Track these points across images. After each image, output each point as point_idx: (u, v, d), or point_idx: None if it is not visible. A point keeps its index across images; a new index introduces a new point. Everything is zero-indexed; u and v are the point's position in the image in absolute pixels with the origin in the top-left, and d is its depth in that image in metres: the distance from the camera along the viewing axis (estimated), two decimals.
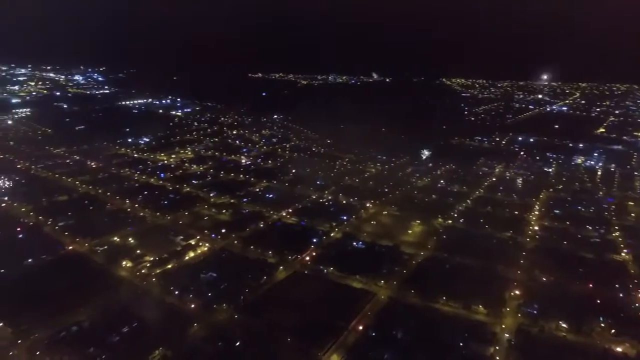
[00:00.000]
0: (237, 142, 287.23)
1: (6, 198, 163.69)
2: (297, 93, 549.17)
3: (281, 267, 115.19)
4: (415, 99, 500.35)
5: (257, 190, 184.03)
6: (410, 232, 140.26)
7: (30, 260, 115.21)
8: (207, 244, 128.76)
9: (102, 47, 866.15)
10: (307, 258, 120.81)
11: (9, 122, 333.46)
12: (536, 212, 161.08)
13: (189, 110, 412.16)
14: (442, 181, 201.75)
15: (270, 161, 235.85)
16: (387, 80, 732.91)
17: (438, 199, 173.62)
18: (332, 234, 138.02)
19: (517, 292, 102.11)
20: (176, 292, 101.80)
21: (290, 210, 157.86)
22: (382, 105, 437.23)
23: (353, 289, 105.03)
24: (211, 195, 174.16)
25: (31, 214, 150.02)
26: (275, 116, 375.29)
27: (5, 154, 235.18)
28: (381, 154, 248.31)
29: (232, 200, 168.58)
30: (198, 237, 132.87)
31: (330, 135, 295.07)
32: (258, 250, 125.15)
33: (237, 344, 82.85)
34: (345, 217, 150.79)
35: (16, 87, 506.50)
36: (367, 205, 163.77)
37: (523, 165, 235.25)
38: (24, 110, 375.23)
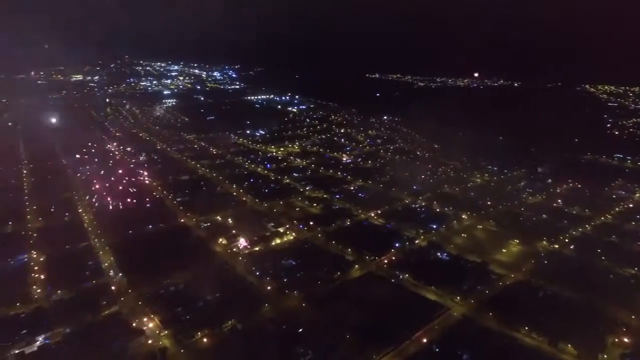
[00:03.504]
0: (343, 140, 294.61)
1: (144, 173, 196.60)
2: (411, 95, 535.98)
3: (357, 266, 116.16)
4: (546, 106, 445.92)
5: (352, 188, 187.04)
6: (504, 251, 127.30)
7: (150, 226, 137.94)
8: (293, 234, 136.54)
9: (238, 48, 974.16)
10: (385, 261, 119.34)
11: (159, 110, 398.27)
12: None
13: (303, 107, 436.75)
14: (559, 200, 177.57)
15: (370, 161, 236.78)
16: (516, 84, 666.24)
17: (548, 220, 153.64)
18: (416, 241, 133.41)
19: (624, 339, 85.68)
20: (257, 273, 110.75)
21: (379, 212, 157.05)
22: (504, 111, 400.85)
23: (426, 300, 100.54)
24: (307, 188, 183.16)
25: (159, 188, 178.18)
26: (385, 117, 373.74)
27: (150, 136, 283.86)
28: (492, 164, 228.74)
29: (325, 196, 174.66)
30: (287, 226, 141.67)
31: (438, 140, 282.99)
32: (339, 246, 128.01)
33: (300, 330, 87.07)
34: (435, 226, 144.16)
35: (168, 81, 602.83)
36: (463, 216, 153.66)
37: None
38: (171, 100, 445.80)
